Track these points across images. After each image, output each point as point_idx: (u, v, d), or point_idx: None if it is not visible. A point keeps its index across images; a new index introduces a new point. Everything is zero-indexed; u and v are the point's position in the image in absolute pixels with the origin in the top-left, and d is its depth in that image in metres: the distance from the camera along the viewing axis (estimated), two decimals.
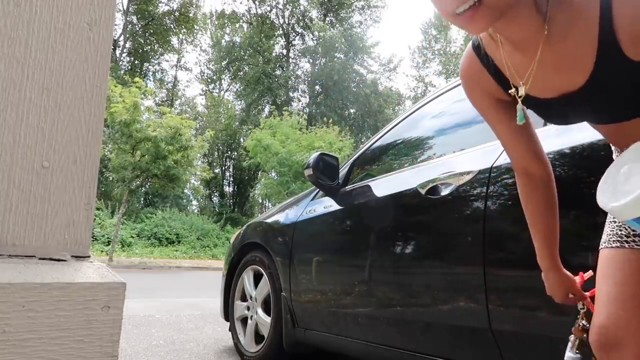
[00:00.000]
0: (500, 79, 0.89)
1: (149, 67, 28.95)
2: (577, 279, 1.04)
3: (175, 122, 11.43)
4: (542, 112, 0.91)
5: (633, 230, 0.87)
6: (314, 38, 29.37)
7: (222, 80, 32.21)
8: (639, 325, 0.79)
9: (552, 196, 0.98)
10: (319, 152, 2.23)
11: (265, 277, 2.50)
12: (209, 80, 31.99)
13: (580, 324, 0.99)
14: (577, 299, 1.03)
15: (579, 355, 0.97)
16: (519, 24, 0.76)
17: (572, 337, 1.00)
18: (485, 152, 1.51)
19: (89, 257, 0.63)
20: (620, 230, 0.90)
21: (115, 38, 25.15)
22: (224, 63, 30.58)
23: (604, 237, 0.93)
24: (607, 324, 0.83)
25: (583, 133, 1.23)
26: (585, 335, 0.97)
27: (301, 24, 29.73)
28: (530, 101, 0.87)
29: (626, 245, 0.88)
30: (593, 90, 0.79)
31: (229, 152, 30.11)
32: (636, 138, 0.82)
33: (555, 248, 1.01)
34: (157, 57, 28.96)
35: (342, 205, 2.11)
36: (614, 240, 0.90)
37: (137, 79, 11.46)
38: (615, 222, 0.92)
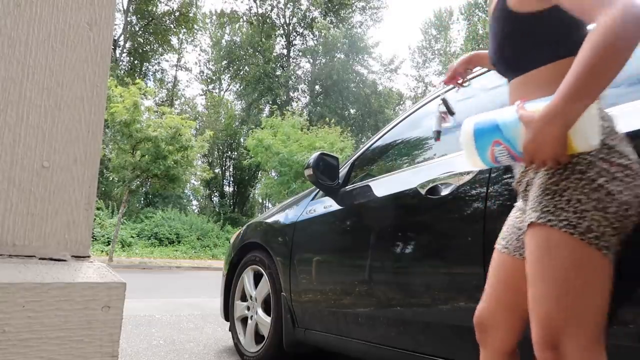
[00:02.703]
0: None
1: (149, 67, 28.92)
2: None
3: (176, 122, 11.43)
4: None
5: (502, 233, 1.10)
6: (315, 37, 29.37)
7: (222, 80, 32.22)
8: (502, 316, 1.06)
9: None
10: (319, 152, 2.23)
11: (265, 277, 2.50)
12: (209, 80, 31.98)
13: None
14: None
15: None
16: None
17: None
18: None
19: (89, 257, 0.63)
20: (501, 232, 1.11)
21: (115, 38, 25.14)
22: (224, 63, 30.56)
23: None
24: (480, 314, 1.11)
25: None
26: None
27: (302, 24, 29.72)
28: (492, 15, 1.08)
29: (496, 246, 1.10)
30: (492, 19, 1.02)
31: (229, 152, 30.11)
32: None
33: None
34: (157, 57, 28.93)
35: (342, 205, 2.11)
36: (497, 242, 1.11)
37: (138, 80, 11.46)
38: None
